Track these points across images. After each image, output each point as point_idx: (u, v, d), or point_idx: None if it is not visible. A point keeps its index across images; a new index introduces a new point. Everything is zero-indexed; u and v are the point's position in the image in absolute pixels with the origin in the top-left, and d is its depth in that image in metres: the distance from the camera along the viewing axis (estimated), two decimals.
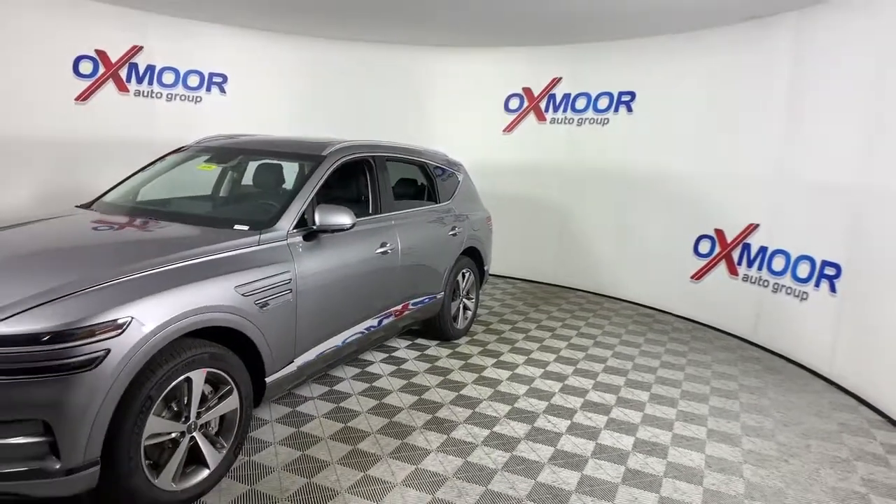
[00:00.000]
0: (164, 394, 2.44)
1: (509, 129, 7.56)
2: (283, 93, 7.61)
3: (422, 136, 6.76)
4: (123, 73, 6.58)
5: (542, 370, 4.60)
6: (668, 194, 6.38)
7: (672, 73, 6.33)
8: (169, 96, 6.93)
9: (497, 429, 3.60)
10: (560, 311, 6.36)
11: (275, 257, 3.05)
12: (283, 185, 4.01)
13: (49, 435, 2.15)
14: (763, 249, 5.54)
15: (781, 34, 5.32)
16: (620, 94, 6.76)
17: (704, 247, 6.08)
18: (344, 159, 3.79)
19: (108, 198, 3.83)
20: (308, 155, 3.74)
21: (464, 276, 5.15)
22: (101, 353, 2.19)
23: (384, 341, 4.71)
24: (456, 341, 5.13)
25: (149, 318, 2.34)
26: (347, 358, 3.92)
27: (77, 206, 3.73)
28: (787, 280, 5.24)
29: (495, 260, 5.99)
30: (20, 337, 2.10)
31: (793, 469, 3.35)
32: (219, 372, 2.69)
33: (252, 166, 4.10)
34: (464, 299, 5.21)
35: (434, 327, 4.94)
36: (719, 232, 5.94)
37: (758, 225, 5.60)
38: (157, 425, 2.44)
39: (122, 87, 6.60)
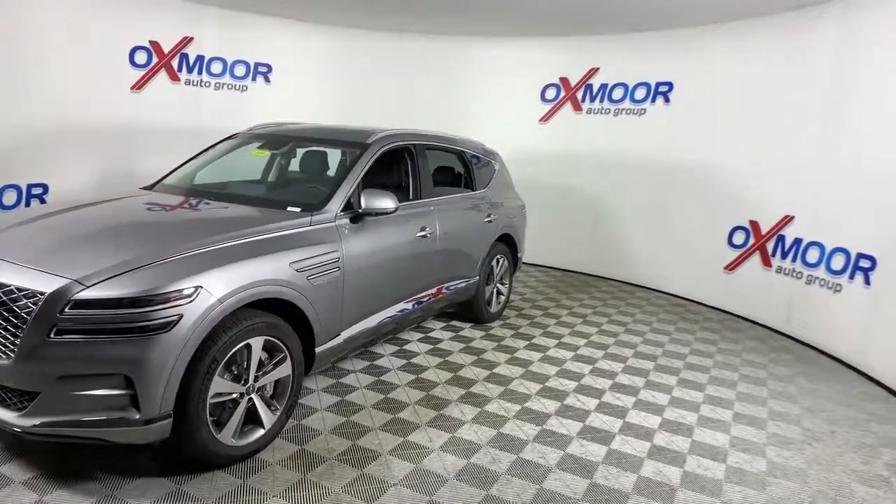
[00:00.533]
0: (227, 357, 2.69)
1: (545, 118, 7.67)
2: (325, 82, 7.87)
3: (458, 125, 6.91)
4: (175, 63, 6.91)
5: (573, 353, 4.76)
6: (703, 185, 6.43)
7: (711, 64, 6.35)
8: (217, 85, 7.24)
9: (528, 405, 3.78)
10: (591, 298, 6.49)
11: (325, 237, 3.28)
12: (329, 171, 4.24)
13: (130, 388, 2.41)
14: (798, 241, 5.56)
15: (824, 24, 5.31)
16: (658, 84, 6.81)
17: (739, 238, 6.13)
18: (387, 147, 3.99)
19: (168, 180, 4.12)
20: (354, 142, 3.95)
21: (498, 261, 5.32)
22: (175, 317, 2.44)
23: (422, 321, 4.93)
24: (489, 324, 5.31)
25: (215, 287, 2.59)
26: (388, 335, 4.14)
27: (141, 188, 4.02)
28: (821, 272, 5.27)
29: (528, 248, 6.14)
30: (107, 301, 2.37)
31: (816, 452, 3.45)
32: (274, 340, 2.93)
33: (301, 152, 4.34)
34: (497, 284, 5.39)
35: (468, 310, 5.14)
36: (754, 223, 5.98)
37: (793, 217, 5.63)
38: (220, 386, 2.69)
39: (173, 77, 6.93)
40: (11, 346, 2.38)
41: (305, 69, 7.74)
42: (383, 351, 4.48)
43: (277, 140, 4.36)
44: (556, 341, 5.01)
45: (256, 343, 2.83)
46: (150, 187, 4.04)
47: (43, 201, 5.96)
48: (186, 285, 2.50)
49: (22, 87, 5.53)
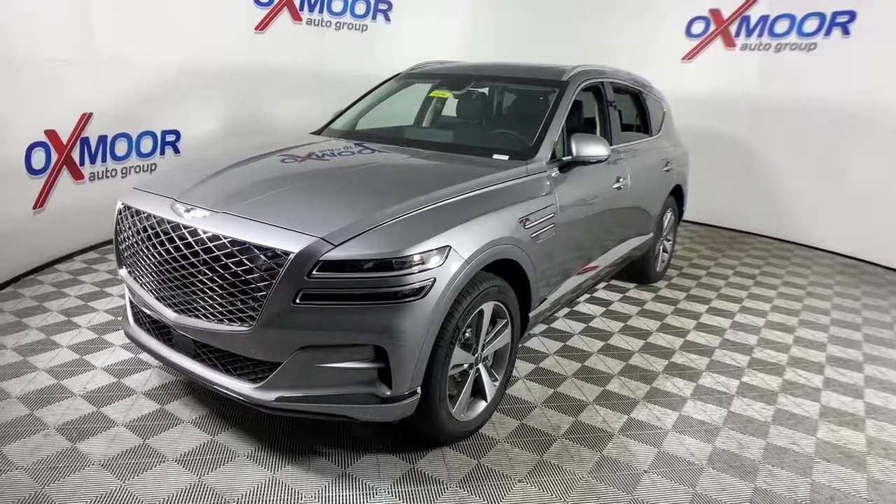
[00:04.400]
0: (466, 325, 2.37)
1: (689, 56, 6.91)
2: (448, 19, 7.33)
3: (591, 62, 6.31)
4: (297, 1, 6.53)
5: (764, 319, 4.26)
6: (888, 132, 5.63)
7: None
8: (337, 25, 6.85)
9: (746, 380, 3.35)
10: (750, 257, 5.90)
11: (540, 189, 2.88)
12: (518, 113, 3.80)
13: (379, 361, 2.13)
14: None
15: None
16: (835, 14, 5.93)
17: None
18: (584, 84, 3.51)
19: (336, 125, 3.79)
20: (549, 80, 3.48)
21: (666, 216, 4.81)
22: (429, 281, 2.12)
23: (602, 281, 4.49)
24: (654, 284, 4.86)
25: (463, 247, 2.25)
26: (577, 298, 3.75)
27: (311, 133, 3.70)
28: None
29: None
30: (357, 262, 2.05)
31: None
32: (501, 305, 2.59)
33: (483, 93, 3.89)
34: (663, 240, 4.89)
35: (635, 269, 4.68)
36: None
37: None
38: (457, 356, 2.39)
39: (295, 16, 6.55)
40: (251, 313, 2.12)
41: (427, 5, 7.21)
42: (557, 313, 4.12)
43: (456, 79, 3.89)
44: (737, 305, 4.51)
45: (488, 308, 2.51)
46: (319, 132, 3.72)
47: (176, 149, 5.80)
48: (438, 244, 2.16)
49: (150, 32, 5.27)
